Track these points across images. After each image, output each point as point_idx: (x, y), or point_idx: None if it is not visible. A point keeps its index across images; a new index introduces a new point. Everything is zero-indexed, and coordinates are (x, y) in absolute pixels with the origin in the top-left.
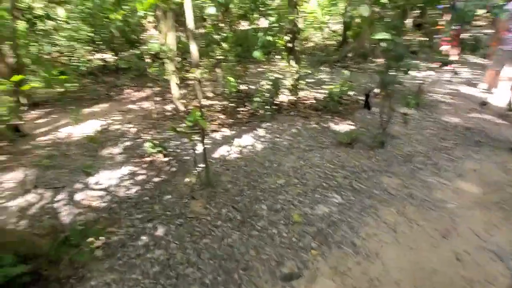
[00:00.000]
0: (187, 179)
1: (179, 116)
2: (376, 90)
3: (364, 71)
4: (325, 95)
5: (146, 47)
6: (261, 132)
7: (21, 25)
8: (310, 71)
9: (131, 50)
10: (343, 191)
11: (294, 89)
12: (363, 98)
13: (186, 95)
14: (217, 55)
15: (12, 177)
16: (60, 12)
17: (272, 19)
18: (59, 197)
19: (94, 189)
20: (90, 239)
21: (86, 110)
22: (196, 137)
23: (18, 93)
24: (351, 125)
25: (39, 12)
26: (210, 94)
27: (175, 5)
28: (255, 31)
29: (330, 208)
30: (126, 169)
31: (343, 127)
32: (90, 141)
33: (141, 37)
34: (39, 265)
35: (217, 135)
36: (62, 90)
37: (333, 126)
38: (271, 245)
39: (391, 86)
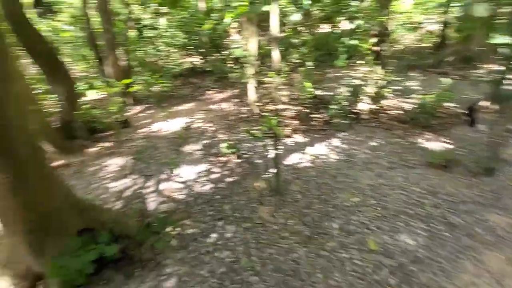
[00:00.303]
0: (257, 183)
1: (253, 118)
2: (484, 103)
3: (468, 79)
4: (414, 106)
5: (229, 52)
6: (336, 142)
7: (132, 33)
8: (397, 78)
9: (216, 54)
10: (434, 222)
11: (376, 97)
12: (465, 111)
13: (262, 99)
14: (295, 59)
15: (115, 162)
16: (162, 21)
17: (358, 21)
18: (148, 184)
19: (175, 181)
20: (168, 229)
21: (175, 108)
22: (268, 141)
23: (126, 94)
24: (447, 143)
25: (146, 22)
26: (285, 99)
27: (261, 13)
28: (337, 35)
29: (416, 241)
30: (203, 166)
31: (436, 144)
32: (177, 137)
33: (226, 42)
34: (127, 246)
35: (290, 141)
36: (158, 89)
37: (422, 143)
38: (340, 271)
39: (507, 100)
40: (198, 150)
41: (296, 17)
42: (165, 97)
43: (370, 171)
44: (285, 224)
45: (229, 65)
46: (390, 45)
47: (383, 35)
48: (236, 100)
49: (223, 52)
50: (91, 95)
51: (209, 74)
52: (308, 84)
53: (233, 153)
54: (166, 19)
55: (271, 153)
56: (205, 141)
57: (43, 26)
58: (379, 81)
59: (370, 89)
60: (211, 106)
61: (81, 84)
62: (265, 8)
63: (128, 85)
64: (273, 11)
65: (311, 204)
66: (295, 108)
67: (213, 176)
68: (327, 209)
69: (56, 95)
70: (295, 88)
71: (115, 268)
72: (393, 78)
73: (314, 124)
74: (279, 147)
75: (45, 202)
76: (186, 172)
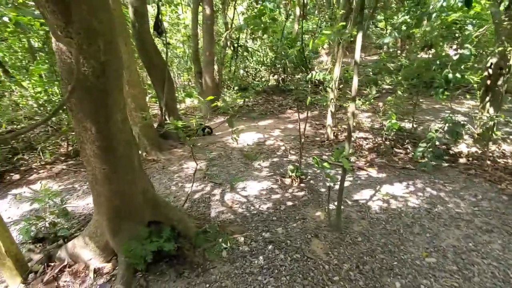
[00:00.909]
0: (316, 213)
1: (327, 143)
2: None
3: None
4: None
5: (311, 73)
6: (419, 185)
7: (229, 52)
8: None
9: (300, 74)
10: None
11: (482, 140)
12: None
13: (338, 124)
14: (386, 85)
15: (192, 165)
16: (255, 43)
17: (469, 49)
18: (214, 191)
19: (239, 194)
20: (222, 239)
21: (254, 123)
22: (337, 171)
23: (213, 105)
24: None
25: (242, 42)
26: (366, 127)
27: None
28: (440, 63)
29: None
30: (267, 184)
31: None
32: (248, 154)
33: (313, 63)
34: (183, 245)
35: (362, 174)
36: (242, 103)
37: None
38: None
39: None
40: (266, 167)
41: (388, 40)
42: (248, 111)
43: (457, 230)
44: (339, 266)
45: (311, 86)
46: (509, 79)
47: (501, 68)
48: (314, 122)
49: (308, 73)
50: (187, 102)
51: (291, 93)
52: (394, 114)
53: (298, 176)
54: (260, 40)
55: (337, 185)
56: (275, 159)
57: (159, 44)
58: (488, 120)
59: (475, 129)
60: (288, 125)
61: (181, 93)
62: (353, 32)
63: (215, 98)
64: (358, 39)
65: (374, 251)
66: (376, 138)
67: (274, 196)
68: (392, 263)
69: (160, 100)
70: (380, 116)
71: (169, 263)
72: (508, 120)
73: (395, 160)
74: (348, 178)
75: (127, 192)
76: (251, 186)
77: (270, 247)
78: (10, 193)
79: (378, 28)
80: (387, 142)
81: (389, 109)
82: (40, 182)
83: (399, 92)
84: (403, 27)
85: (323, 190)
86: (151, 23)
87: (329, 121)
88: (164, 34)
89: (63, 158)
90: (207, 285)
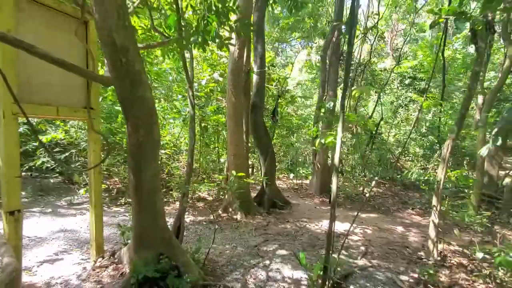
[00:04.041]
0: None
1: (428, 262)
2: None
3: None
4: None
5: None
6: None
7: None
8: None
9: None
10: None
11: None
12: None
13: (441, 240)
14: None
15: (260, 236)
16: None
17: None
18: (260, 264)
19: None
20: None
21: (359, 214)
22: None
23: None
24: None
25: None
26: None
27: None
28: None
29: None
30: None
31: None
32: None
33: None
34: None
35: None
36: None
37: None
38: None
39: None
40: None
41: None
42: (361, 200)
43: None
44: None
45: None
46: None
47: None
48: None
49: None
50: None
51: (423, 192)
52: None
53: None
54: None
55: None
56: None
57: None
58: None
59: None
60: (397, 227)
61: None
62: None
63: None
64: None
65: None
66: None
67: None
68: None
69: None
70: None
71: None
72: None
73: None
74: None
75: (148, 226)
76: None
77: None
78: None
79: None
80: None
81: None
82: None
83: None
84: None
85: None
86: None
87: (431, 233)
88: (276, 121)
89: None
90: None
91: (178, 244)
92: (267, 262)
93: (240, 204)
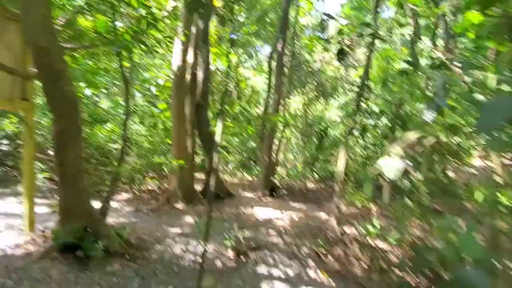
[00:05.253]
0: None
1: (326, 237)
2: None
3: None
4: None
5: None
6: None
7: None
8: None
9: None
10: None
11: None
12: None
13: (343, 220)
14: None
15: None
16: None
17: None
18: (190, 247)
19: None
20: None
21: (290, 203)
22: None
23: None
24: None
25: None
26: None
27: None
28: None
29: None
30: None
31: None
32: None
33: None
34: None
35: None
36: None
37: None
38: None
39: None
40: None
41: None
42: (298, 191)
43: None
44: None
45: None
46: None
47: None
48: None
49: None
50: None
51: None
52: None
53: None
54: None
55: None
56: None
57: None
58: None
59: None
60: (321, 214)
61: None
62: None
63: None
64: None
65: None
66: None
67: None
68: None
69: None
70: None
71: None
72: None
73: None
74: None
75: (74, 203)
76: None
77: None
78: None
79: None
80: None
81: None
82: None
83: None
84: None
85: None
86: None
87: (334, 215)
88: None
89: None
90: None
91: (101, 219)
92: (190, 239)
93: (183, 194)
